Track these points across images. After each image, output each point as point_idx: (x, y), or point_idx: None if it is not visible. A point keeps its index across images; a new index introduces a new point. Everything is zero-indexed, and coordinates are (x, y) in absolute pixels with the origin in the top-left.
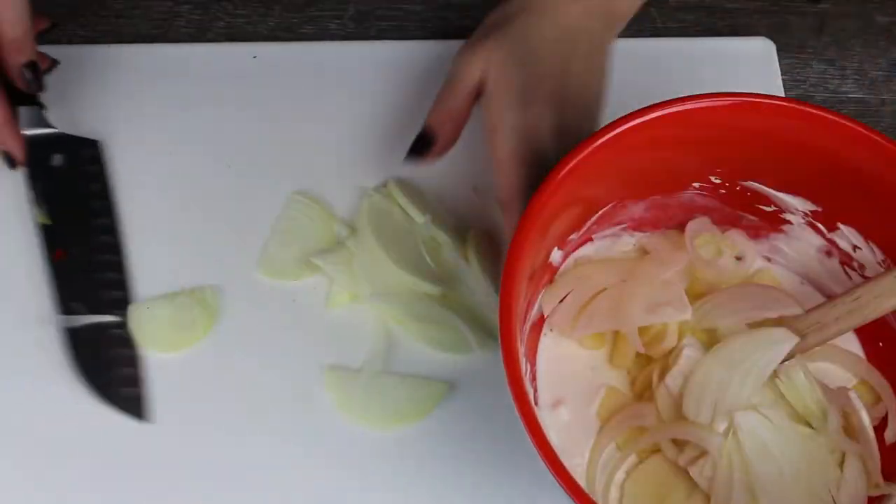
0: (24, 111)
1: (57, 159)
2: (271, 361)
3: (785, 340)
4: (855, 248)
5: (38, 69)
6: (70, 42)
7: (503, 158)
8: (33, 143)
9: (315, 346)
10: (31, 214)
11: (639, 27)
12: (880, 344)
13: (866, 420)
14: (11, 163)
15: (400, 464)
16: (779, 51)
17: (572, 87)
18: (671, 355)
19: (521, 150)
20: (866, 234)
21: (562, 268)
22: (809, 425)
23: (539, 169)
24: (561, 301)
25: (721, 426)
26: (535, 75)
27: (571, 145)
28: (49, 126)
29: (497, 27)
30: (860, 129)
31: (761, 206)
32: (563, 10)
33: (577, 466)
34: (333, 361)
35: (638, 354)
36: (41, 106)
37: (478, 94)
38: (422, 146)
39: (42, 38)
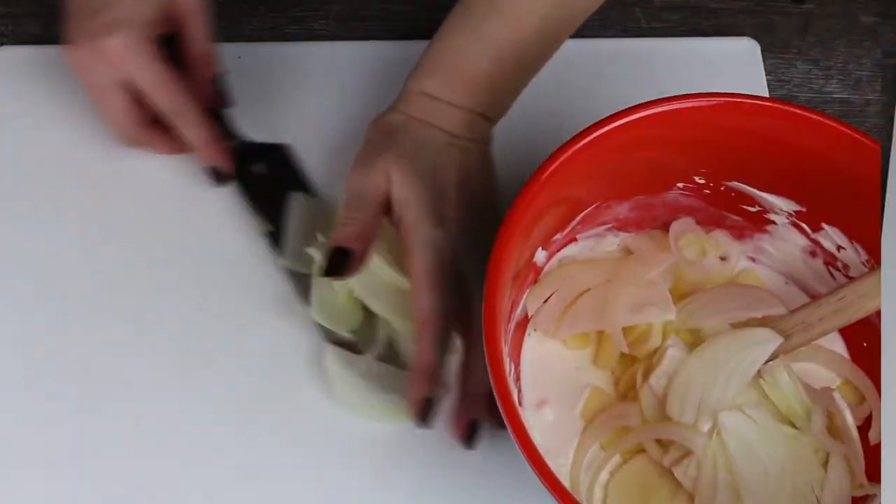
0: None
1: (258, 167)
2: (269, 353)
3: (769, 340)
4: (839, 248)
5: (225, 81)
6: (54, 43)
7: (419, 278)
8: (234, 155)
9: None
10: (251, 225)
11: (624, 27)
12: (864, 344)
13: (850, 420)
14: (219, 178)
15: (388, 462)
16: (763, 51)
17: (475, 191)
18: (655, 355)
19: (437, 268)
20: (850, 235)
21: (546, 268)
22: (793, 425)
23: (455, 284)
24: (545, 301)
25: (705, 426)
26: (439, 185)
27: (485, 253)
28: (235, 136)
29: (387, 138)
30: (844, 129)
31: (746, 207)
32: (448, 117)
33: (561, 467)
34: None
35: (622, 355)
36: (228, 118)
37: (384, 206)
38: (340, 265)
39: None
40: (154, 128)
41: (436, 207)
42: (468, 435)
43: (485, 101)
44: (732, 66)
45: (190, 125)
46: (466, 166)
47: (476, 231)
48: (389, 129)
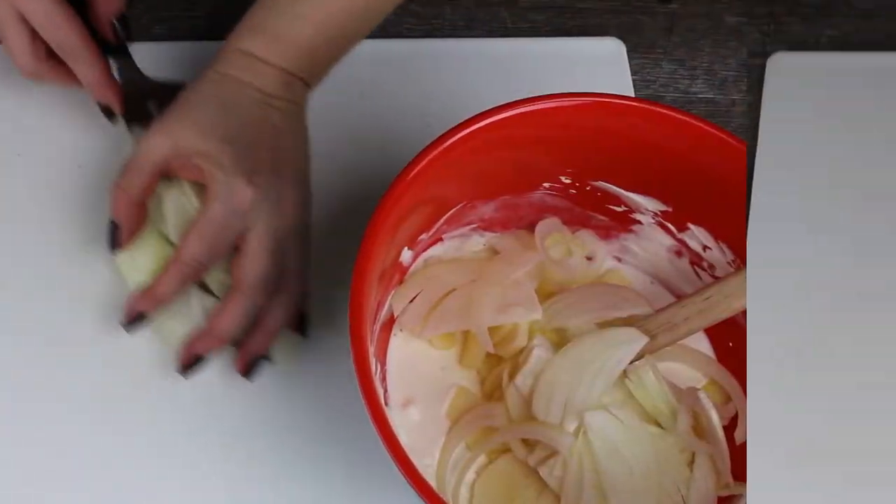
0: (114, 62)
1: (151, 106)
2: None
3: (634, 340)
4: (705, 248)
5: (127, 19)
6: None
7: (199, 221)
8: (129, 93)
9: None
10: None
11: (489, 28)
12: (730, 344)
13: (716, 420)
14: (110, 115)
15: (254, 457)
16: (629, 51)
17: (286, 151)
18: (521, 355)
19: (221, 218)
20: (716, 234)
21: (412, 268)
22: (659, 425)
23: (231, 238)
24: (411, 301)
25: (571, 426)
26: (248, 141)
27: (289, 212)
28: (139, 74)
29: (195, 95)
30: (709, 128)
31: (611, 207)
32: (265, 76)
33: (427, 467)
34: None
35: (488, 354)
36: (128, 55)
37: (161, 173)
38: (112, 236)
39: None
40: (55, 62)
41: (244, 162)
42: (190, 364)
43: (304, 65)
44: (598, 66)
45: (80, 63)
46: (279, 126)
47: (284, 190)
48: (201, 87)
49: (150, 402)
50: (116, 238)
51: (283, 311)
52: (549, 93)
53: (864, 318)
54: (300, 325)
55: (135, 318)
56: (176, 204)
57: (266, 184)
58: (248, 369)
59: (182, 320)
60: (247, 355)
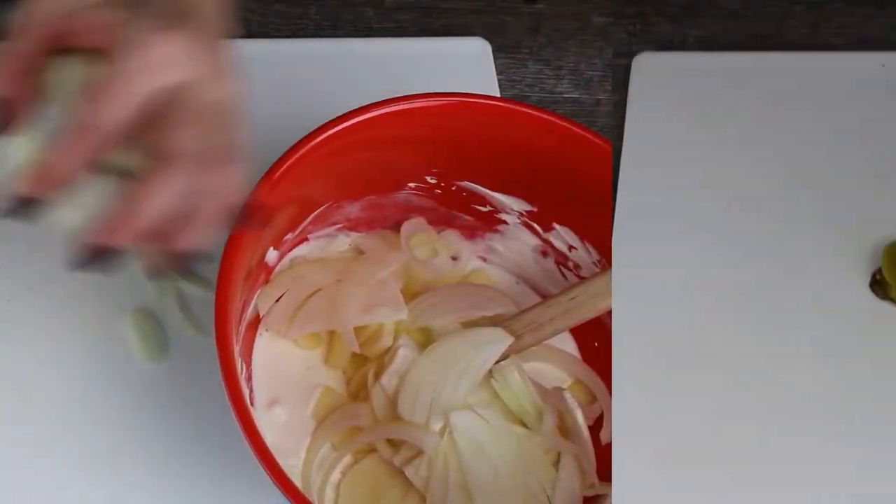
0: None
1: None
2: None
3: (499, 340)
4: (570, 248)
5: None
6: None
7: (109, 84)
8: None
9: None
10: None
11: (354, 28)
12: (595, 344)
13: (581, 420)
14: None
15: (116, 452)
16: (495, 51)
17: (205, 14)
18: (387, 355)
19: (132, 80)
20: (582, 234)
21: (277, 268)
22: (524, 425)
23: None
24: (277, 301)
25: (436, 426)
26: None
27: (215, 74)
28: None
29: None
30: (574, 128)
31: (477, 207)
32: None
33: (293, 467)
34: None
35: (354, 354)
36: None
37: (51, 41)
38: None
39: None
40: None
41: (156, 13)
42: (93, 258)
43: None
44: (464, 66)
45: None
46: None
47: (208, 50)
48: None
49: (11, 392)
50: (3, 116)
51: (230, 192)
52: (414, 93)
53: (733, 317)
54: (248, 214)
55: (26, 205)
56: (69, 84)
57: (186, 39)
58: (184, 267)
59: (77, 208)
60: (181, 253)
